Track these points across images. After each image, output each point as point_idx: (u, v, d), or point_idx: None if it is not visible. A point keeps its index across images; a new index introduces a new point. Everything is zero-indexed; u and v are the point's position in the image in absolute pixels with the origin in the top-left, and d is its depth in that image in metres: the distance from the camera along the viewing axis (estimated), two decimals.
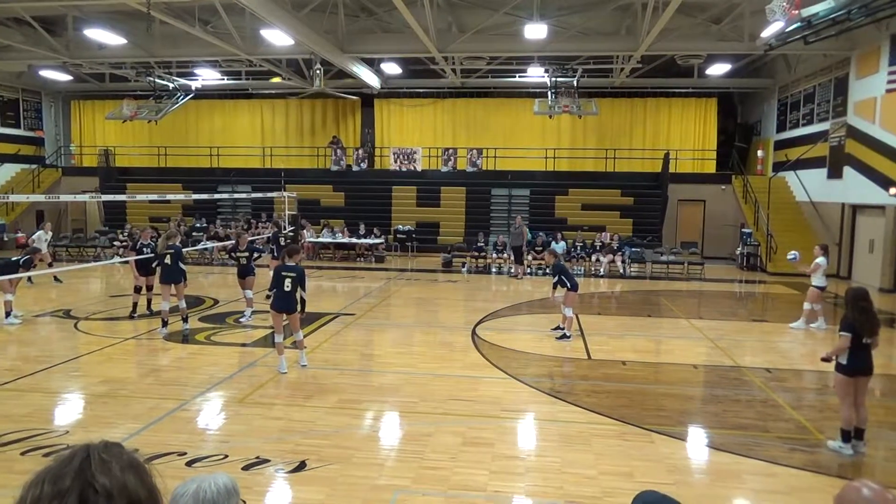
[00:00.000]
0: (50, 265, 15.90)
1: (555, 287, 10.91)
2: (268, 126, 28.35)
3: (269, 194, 21.38)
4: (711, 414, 7.22)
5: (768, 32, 14.46)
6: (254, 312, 11.90)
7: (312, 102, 27.59)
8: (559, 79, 20.94)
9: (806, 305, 11.93)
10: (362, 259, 21.65)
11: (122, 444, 1.27)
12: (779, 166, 22.85)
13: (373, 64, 23.04)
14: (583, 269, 20.01)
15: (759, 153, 24.55)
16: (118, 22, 18.63)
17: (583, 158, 25.75)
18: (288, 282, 8.27)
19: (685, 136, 26.07)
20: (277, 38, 17.39)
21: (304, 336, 9.05)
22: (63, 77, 25.29)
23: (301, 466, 5.53)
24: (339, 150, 26.39)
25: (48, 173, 27.17)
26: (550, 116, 21.95)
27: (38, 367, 8.64)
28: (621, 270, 19.51)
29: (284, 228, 16.72)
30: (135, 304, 12.02)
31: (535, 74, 22.48)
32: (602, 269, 19.54)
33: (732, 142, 26.30)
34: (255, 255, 12.06)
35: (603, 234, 20.97)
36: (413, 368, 8.82)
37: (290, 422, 6.66)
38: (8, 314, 11.27)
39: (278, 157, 27.09)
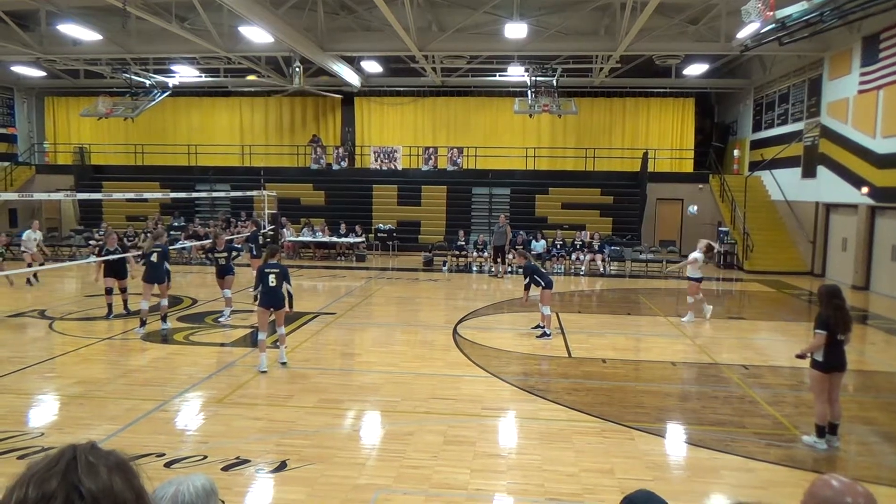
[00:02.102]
0: (41, 264, 15.64)
1: (527, 288, 10.96)
2: (247, 124, 28.11)
3: (249, 193, 21.19)
4: (690, 410, 7.31)
5: (744, 33, 14.66)
6: (232, 312, 11.80)
7: (292, 100, 27.39)
8: (539, 78, 21.03)
9: (689, 299, 12.30)
10: (343, 258, 21.56)
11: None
12: (755, 165, 23.18)
13: (353, 62, 22.95)
14: (563, 267, 20.12)
15: (736, 153, 24.88)
16: (93, 17, 18.32)
17: (563, 157, 25.91)
18: (272, 277, 8.44)
19: (663, 135, 26.34)
20: (256, 35, 17.24)
21: (285, 334, 9.01)
22: (36, 73, 24.81)
23: (281, 467, 5.50)
24: (318, 149, 26.25)
25: (21, 171, 26.67)
26: (530, 116, 22.03)
27: (12, 368, 8.49)
28: (601, 269, 19.66)
29: (264, 227, 16.58)
30: (109, 305, 11.85)
31: (515, 74, 22.56)
32: (582, 268, 19.68)
33: (709, 141, 26.63)
34: (234, 254, 11.97)
35: (583, 232, 21.11)
36: (394, 367, 8.82)
37: (270, 422, 6.62)
38: None
39: (258, 155, 26.85)
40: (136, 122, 24.42)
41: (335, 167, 26.10)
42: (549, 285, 10.72)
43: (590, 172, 25.14)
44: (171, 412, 6.95)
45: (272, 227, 17.41)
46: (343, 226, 22.11)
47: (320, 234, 21.94)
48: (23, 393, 7.58)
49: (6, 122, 27.24)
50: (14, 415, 6.81)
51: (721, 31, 17.68)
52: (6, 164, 26.31)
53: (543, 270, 11.30)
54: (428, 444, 6.08)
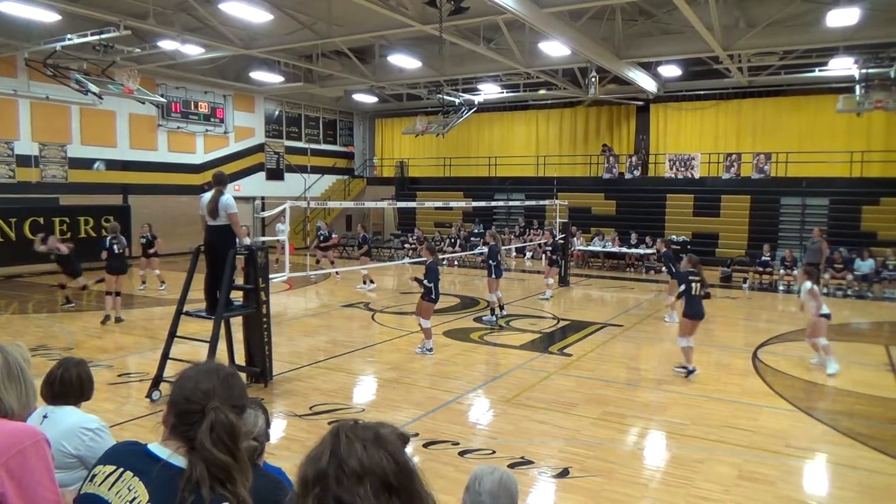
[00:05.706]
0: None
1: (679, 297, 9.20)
2: (542, 135, 29.16)
3: (542, 202, 21.98)
4: None
5: None
6: (514, 317, 12.39)
7: (587, 110, 27.67)
8: (871, 70, 18.01)
9: None
10: (632, 269, 21.11)
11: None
12: None
13: (649, 68, 22.33)
14: None
15: None
16: (415, 47, 20.83)
17: None
18: (696, 285, 9.02)
19: None
20: (554, 49, 17.86)
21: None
22: (370, 99, 29.04)
23: (564, 473, 5.63)
24: (611, 158, 26.10)
25: (356, 183, 31.46)
26: (858, 114, 18.98)
27: (343, 350, 10.08)
28: None
29: (556, 236, 17.05)
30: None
31: (840, 67, 19.64)
32: None
33: None
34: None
35: None
36: (683, 388, 8.38)
37: (554, 427, 6.81)
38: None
39: (551, 165, 27.73)
40: (446, 137, 27.00)
41: (627, 176, 25.66)
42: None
43: None
44: (465, 405, 7.58)
45: (563, 235, 17.79)
46: (634, 236, 21.63)
47: (610, 244, 21.77)
48: (350, 372, 8.96)
49: (347, 142, 32.51)
50: (343, 391, 8.09)
51: None
52: (346, 177, 31.40)
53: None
54: (719, 475, 5.67)
